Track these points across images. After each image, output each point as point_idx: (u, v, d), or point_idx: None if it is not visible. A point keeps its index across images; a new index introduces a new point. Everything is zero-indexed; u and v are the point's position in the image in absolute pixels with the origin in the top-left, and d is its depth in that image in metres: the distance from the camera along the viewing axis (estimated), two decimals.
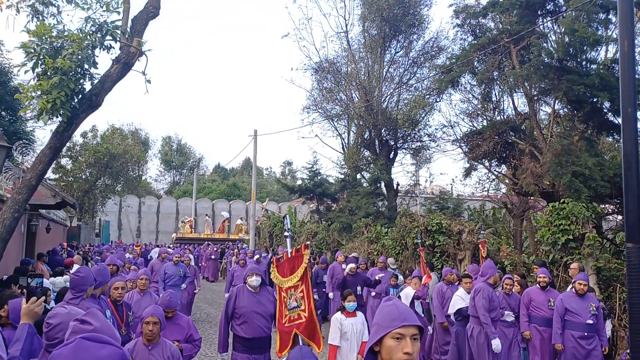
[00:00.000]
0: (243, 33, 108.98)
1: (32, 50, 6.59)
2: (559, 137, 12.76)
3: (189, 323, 5.67)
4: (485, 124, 16.04)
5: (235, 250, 25.55)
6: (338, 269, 12.39)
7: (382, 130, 22.33)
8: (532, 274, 10.39)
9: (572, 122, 13.18)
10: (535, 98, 14.08)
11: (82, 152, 34.66)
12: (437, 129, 21.74)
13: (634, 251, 2.81)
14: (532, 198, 15.16)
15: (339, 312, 7.16)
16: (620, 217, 14.04)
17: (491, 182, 17.94)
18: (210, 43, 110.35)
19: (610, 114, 12.31)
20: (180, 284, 12.09)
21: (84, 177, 34.75)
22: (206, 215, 44.49)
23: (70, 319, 2.65)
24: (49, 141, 7.12)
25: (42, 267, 11.67)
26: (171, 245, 32.30)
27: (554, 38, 13.52)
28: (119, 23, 7.18)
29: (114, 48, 7.26)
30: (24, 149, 17.03)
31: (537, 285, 8.13)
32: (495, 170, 16.52)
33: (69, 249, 20.37)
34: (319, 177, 24.08)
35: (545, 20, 13.56)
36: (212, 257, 25.73)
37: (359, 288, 10.29)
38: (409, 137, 22.98)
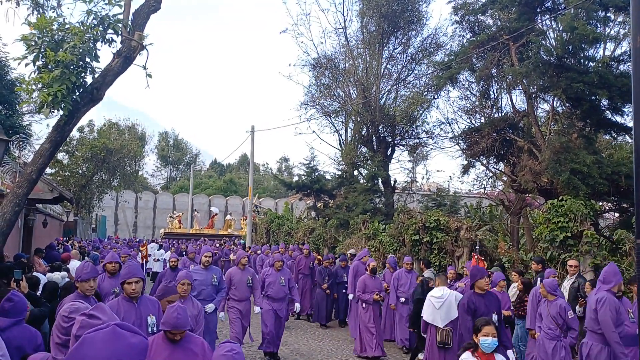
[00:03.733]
0: (241, 29, 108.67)
1: (33, 43, 6.55)
2: (558, 135, 12.79)
3: (204, 347, 4.20)
4: (483, 121, 16.05)
5: (233, 246, 25.44)
6: (362, 269, 11.00)
7: (380, 127, 22.35)
8: (529, 271, 10.44)
9: (571, 120, 13.22)
10: (534, 95, 14.10)
11: (78, 147, 34.60)
12: (434, 126, 21.75)
13: None
14: (530, 195, 15.21)
15: (468, 353, 4.64)
16: (617, 215, 14.11)
17: (489, 179, 17.98)
18: (208, 39, 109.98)
19: (608, 111, 12.35)
20: (213, 295, 8.48)
21: (80, 171, 34.70)
22: (195, 210, 44.49)
23: None
24: (50, 135, 7.09)
25: (39, 261, 11.63)
26: (159, 240, 32.10)
27: (553, 35, 13.53)
28: (121, 16, 7.15)
29: (115, 41, 7.24)
30: (21, 143, 16.98)
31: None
32: (493, 167, 16.55)
33: (64, 243, 20.31)
34: (316, 174, 24.11)
35: (544, 17, 13.57)
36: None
37: (495, 316, 6.55)
38: (406, 134, 23.02)
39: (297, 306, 10.12)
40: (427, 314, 7.95)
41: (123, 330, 1.90)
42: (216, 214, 43.25)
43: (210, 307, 8.25)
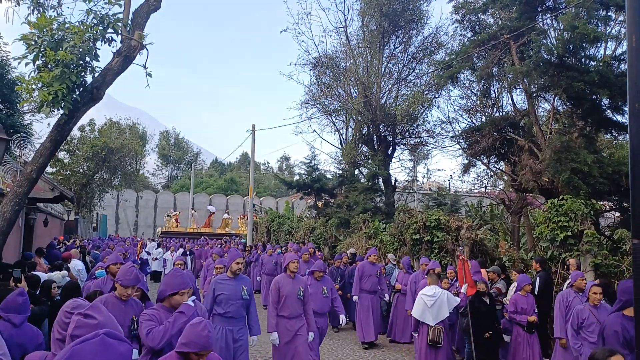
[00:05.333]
0: (241, 28, 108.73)
1: (33, 43, 6.56)
2: (558, 134, 12.77)
3: None
4: (484, 120, 16.04)
5: (232, 245, 25.36)
6: (368, 269, 10.82)
7: (381, 126, 22.36)
8: (530, 271, 10.43)
9: (571, 119, 13.20)
10: (535, 95, 14.08)
11: (79, 146, 34.65)
12: (435, 125, 21.77)
13: None
14: (530, 194, 15.20)
15: None
16: (617, 214, 14.09)
17: (489, 178, 17.97)
18: (208, 38, 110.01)
19: (609, 111, 12.33)
20: (243, 312, 6.47)
21: (81, 170, 34.76)
22: (193, 209, 44.54)
23: None
24: (50, 134, 7.10)
25: (40, 261, 11.66)
26: (155, 239, 31.98)
27: (553, 34, 13.52)
28: (121, 16, 7.16)
29: (115, 41, 7.25)
30: (21, 142, 16.99)
31: None
32: (493, 166, 16.55)
33: (66, 242, 20.31)
34: (317, 173, 24.12)
35: (545, 16, 13.55)
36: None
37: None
38: (407, 133, 23.04)
39: (342, 319, 8.28)
40: (417, 311, 7.83)
41: (112, 340, 1.89)
42: (213, 213, 43.27)
43: (254, 339, 6.47)
